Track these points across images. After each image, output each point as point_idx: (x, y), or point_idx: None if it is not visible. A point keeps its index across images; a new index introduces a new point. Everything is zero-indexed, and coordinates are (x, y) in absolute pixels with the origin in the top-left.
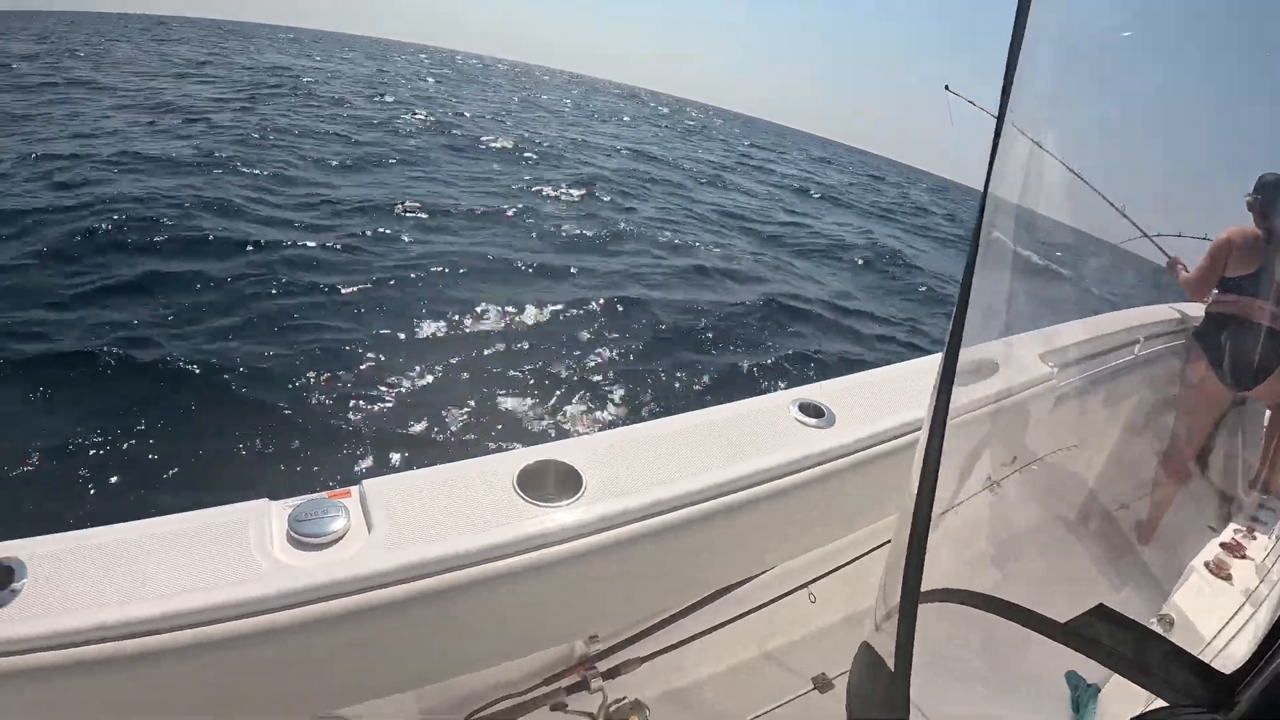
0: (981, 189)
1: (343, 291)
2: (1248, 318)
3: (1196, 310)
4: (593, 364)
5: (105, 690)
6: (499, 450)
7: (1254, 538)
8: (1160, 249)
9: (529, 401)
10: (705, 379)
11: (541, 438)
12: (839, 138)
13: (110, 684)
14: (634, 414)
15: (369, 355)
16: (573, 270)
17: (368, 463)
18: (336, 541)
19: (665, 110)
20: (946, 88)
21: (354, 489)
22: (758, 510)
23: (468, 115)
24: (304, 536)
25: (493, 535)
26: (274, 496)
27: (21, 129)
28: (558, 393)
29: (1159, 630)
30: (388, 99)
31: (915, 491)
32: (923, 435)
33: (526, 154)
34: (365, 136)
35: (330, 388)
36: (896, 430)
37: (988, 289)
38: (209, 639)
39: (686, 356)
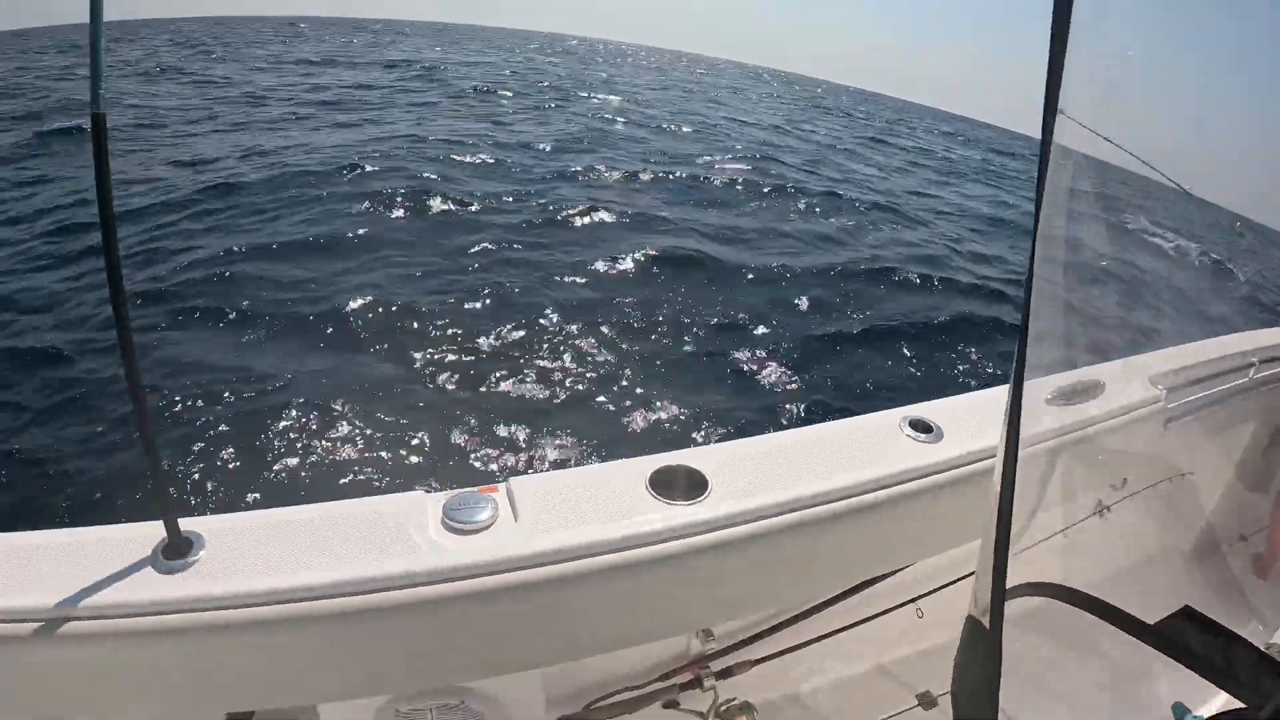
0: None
1: None
2: None
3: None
4: None
5: (270, 650)
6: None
7: None
8: None
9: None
10: None
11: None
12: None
13: (276, 644)
14: None
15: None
16: None
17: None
18: (486, 528)
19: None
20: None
21: (501, 485)
22: (866, 519)
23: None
24: (457, 522)
25: (624, 527)
26: (427, 491)
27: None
28: None
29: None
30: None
31: (999, 479)
32: (1001, 439)
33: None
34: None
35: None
36: (1003, 442)
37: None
38: (367, 606)
39: None
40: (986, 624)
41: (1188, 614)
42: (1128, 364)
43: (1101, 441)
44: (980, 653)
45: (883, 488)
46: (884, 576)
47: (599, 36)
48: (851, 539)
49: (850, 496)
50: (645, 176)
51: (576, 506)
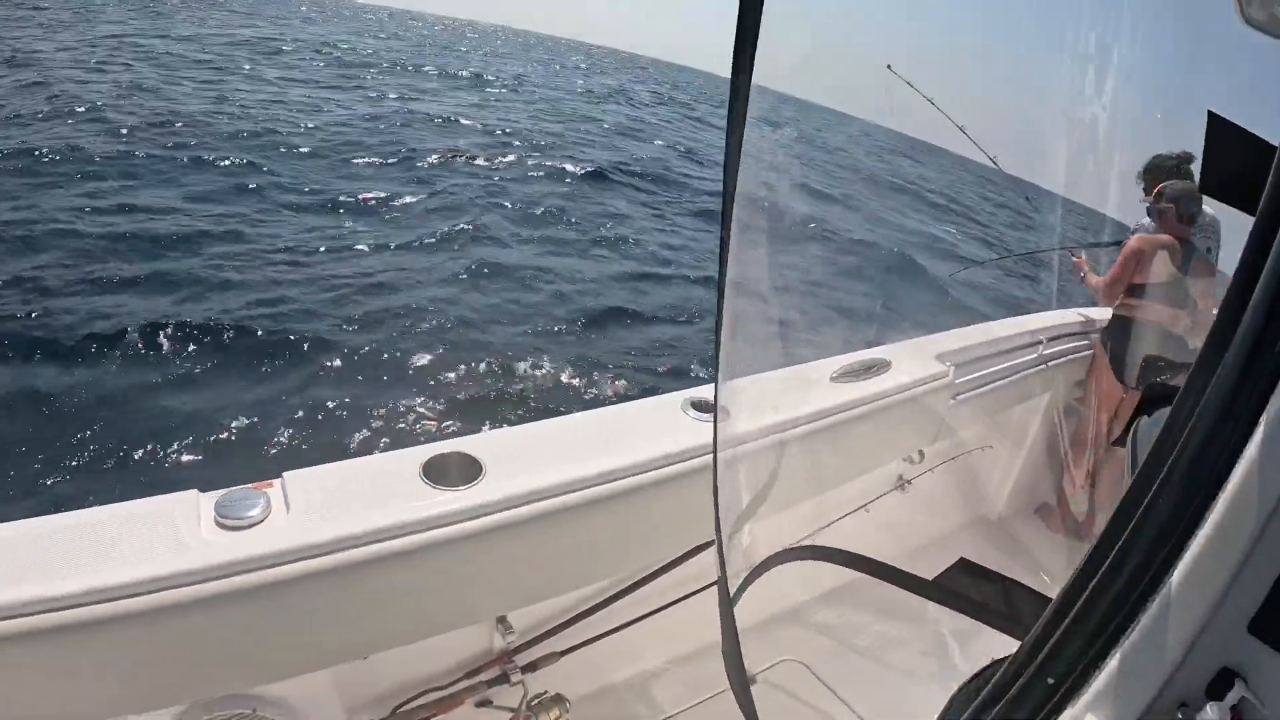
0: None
1: None
2: (1154, 322)
3: (1102, 314)
4: None
5: (36, 666)
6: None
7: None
8: (1072, 255)
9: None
10: None
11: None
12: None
13: (41, 659)
14: None
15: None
16: None
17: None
18: (258, 523)
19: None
20: (889, 68)
21: (276, 481)
22: (651, 498)
23: None
24: (228, 519)
25: (397, 514)
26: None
27: None
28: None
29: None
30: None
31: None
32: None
33: None
34: None
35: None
36: (784, 424)
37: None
38: (130, 612)
39: None
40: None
41: (965, 566)
42: (917, 344)
43: (890, 415)
44: (725, 623)
45: (665, 466)
46: (683, 558)
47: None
48: (639, 521)
49: (631, 475)
50: None
51: (349, 497)
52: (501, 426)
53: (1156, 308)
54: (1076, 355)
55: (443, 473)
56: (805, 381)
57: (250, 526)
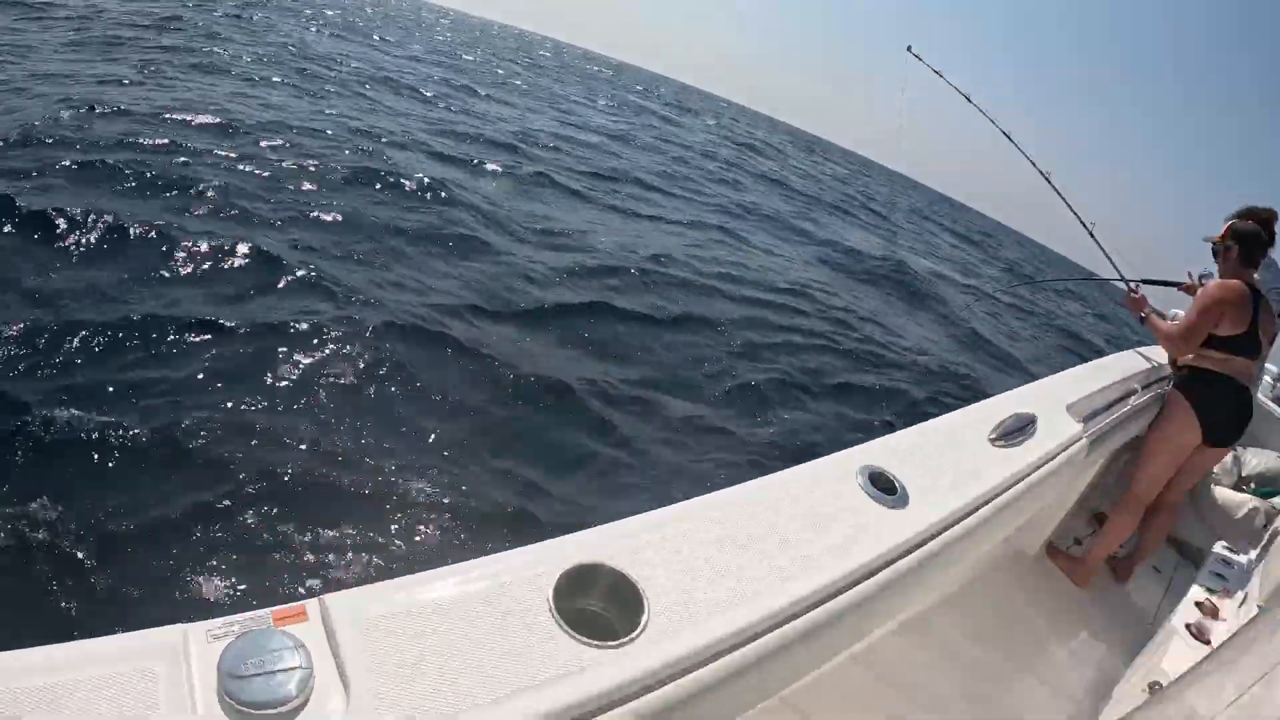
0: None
1: None
2: (1235, 377)
3: (1159, 356)
4: None
5: None
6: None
7: (1228, 597)
8: (1129, 289)
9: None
10: None
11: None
12: None
13: None
14: None
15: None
16: None
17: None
18: (297, 712)
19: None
20: (909, 49)
21: (310, 606)
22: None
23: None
24: (245, 705)
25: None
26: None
27: None
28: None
29: (1146, 694)
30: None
31: None
32: None
33: None
34: None
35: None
36: (969, 506)
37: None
38: None
39: None
40: None
41: None
42: (1047, 389)
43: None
44: None
45: (857, 580)
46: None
47: None
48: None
49: (818, 604)
50: None
51: (452, 651)
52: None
53: (1236, 360)
54: (1154, 401)
55: (584, 594)
56: (970, 448)
57: (287, 711)
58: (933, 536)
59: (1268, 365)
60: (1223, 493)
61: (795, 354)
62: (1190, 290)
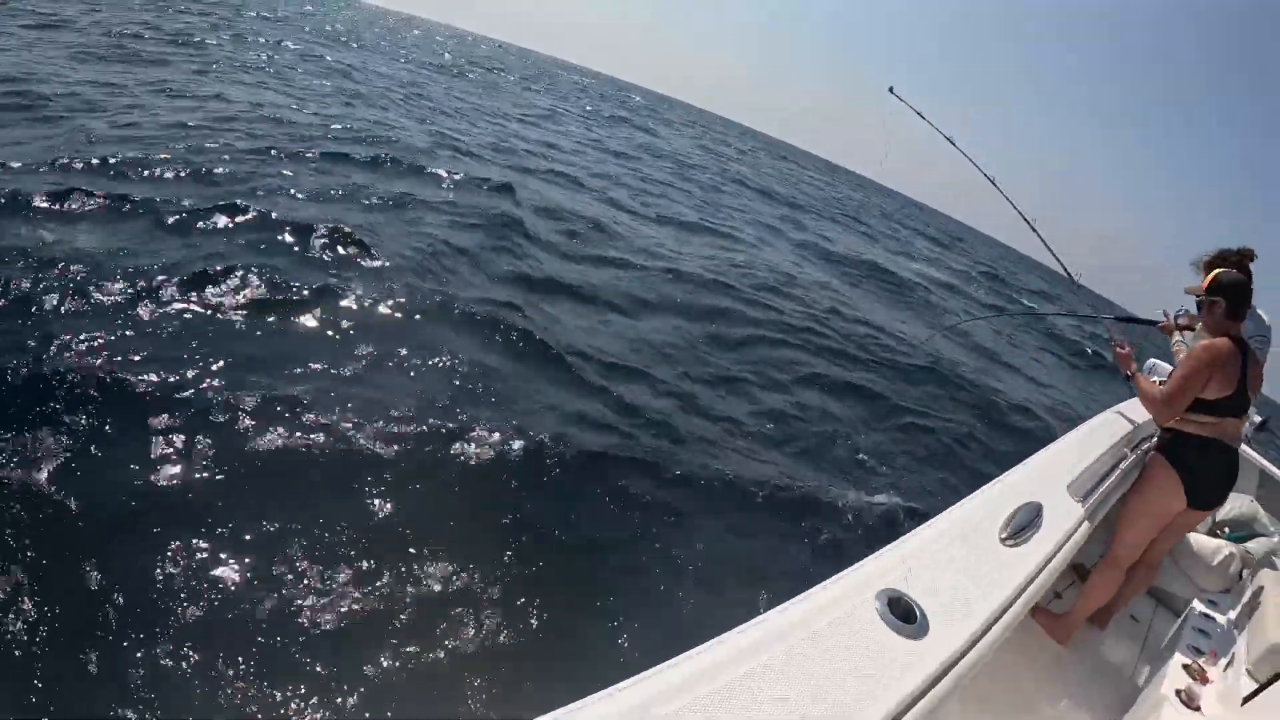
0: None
1: None
2: (1223, 439)
3: (1139, 413)
4: None
5: None
6: None
7: (1214, 661)
8: (1114, 343)
9: None
10: None
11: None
12: None
13: None
14: None
15: None
16: None
17: None
18: None
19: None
20: (891, 90)
21: None
22: None
23: None
24: None
25: None
26: None
27: None
28: None
29: None
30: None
31: None
32: None
33: None
34: None
35: None
36: (988, 622)
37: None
38: None
39: None
40: None
41: None
42: (1042, 472)
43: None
44: None
45: None
46: None
47: None
48: None
49: None
50: None
51: None
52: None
53: (1225, 423)
54: (1137, 464)
55: None
56: (982, 550)
57: None
58: (954, 664)
59: None
60: (1198, 539)
61: None
62: (1168, 330)
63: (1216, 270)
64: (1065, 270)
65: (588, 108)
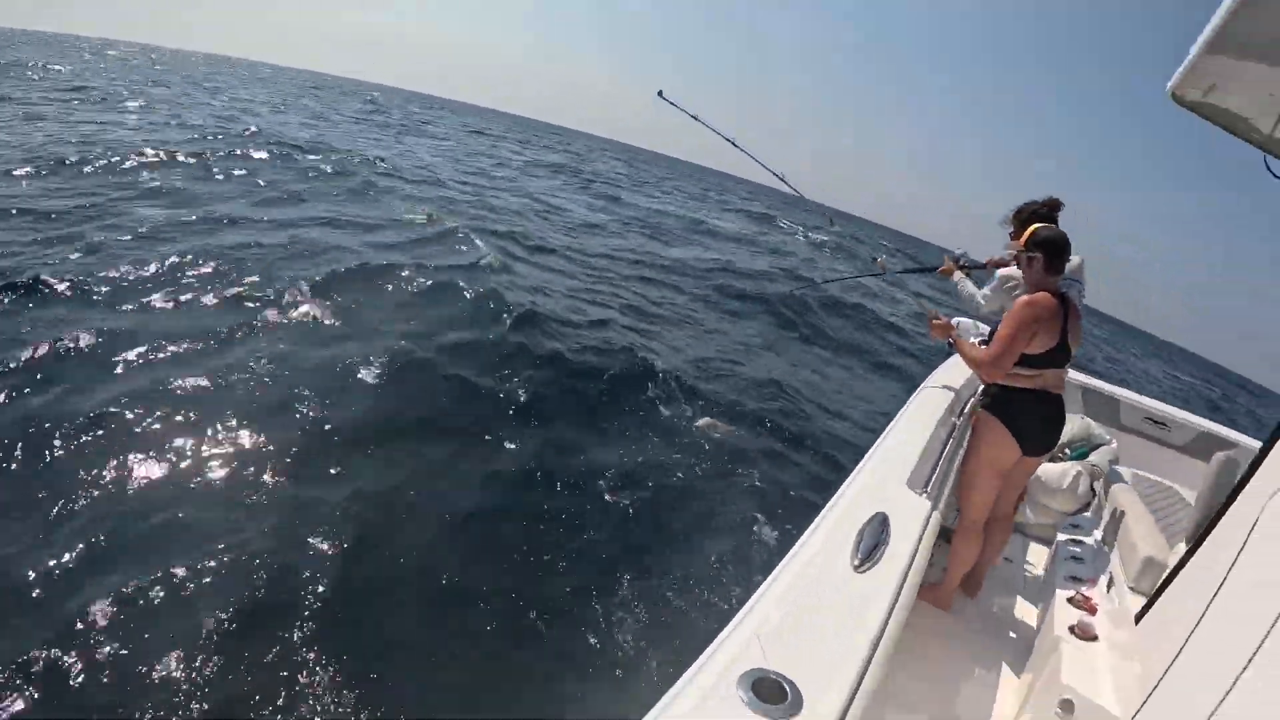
0: None
1: None
2: (1048, 390)
3: (954, 379)
4: None
5: None
6: None
7: (1094, 586)
8: (930, 315)
9: None
10: None
11: None
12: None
13: None
14: None
15: None
16: None
17: None
18: None
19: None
20: (660, 94)
21: None
22: None
23: None
24: None
25: None
26: None
27: None
28: None
29: (1060, 716)
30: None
31: None
32: None
33: None
34: None
35: None
36: (860, 669)
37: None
38: None
39: None
40: None
41: None
42: (879, 473)
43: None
44: None
45: None
46: None
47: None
48: None
49: None
50: None
51: None
52: None
53: (1048, 374)
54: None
55: None
56: (838, 587)
57: None
58: None
59: None
60: (1044, 468)
61: None
62: (948, 274)
63: (1035, 226)
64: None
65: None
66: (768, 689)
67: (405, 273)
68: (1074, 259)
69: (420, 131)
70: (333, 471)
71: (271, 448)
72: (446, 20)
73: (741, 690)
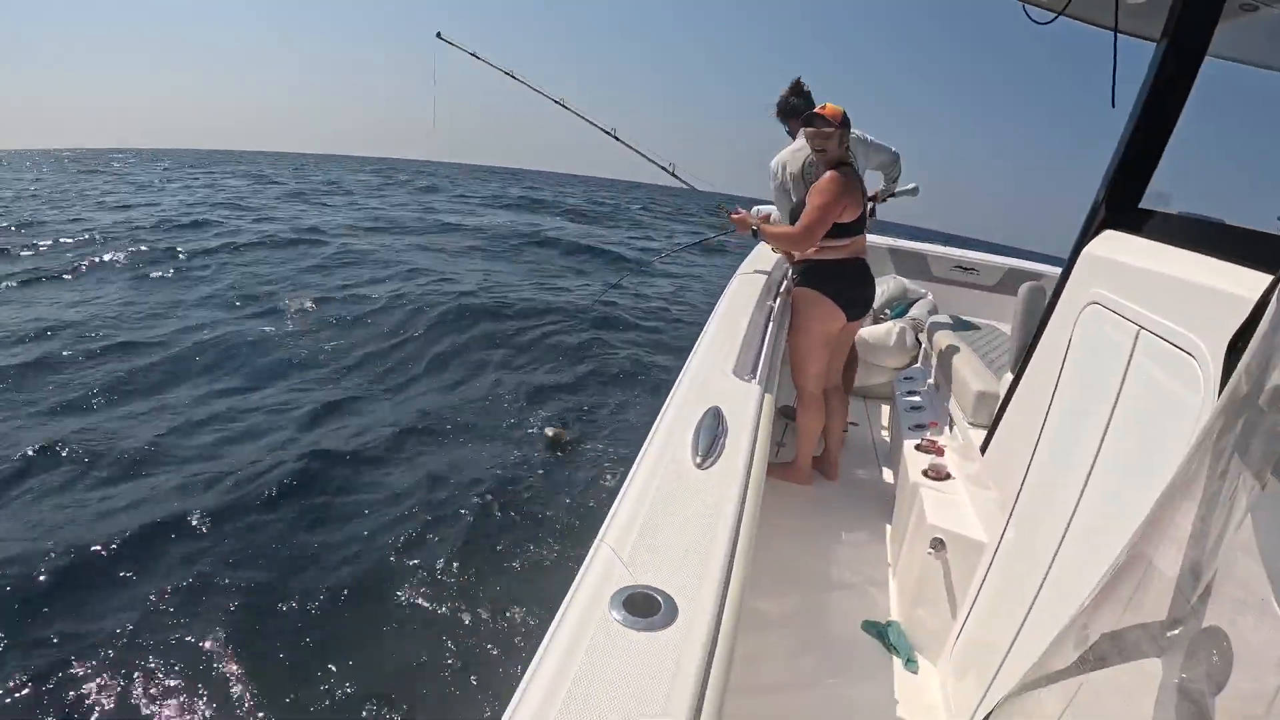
0: None
1: None
2: (860, 256)
3: (758, 263)
4: None
5: None
6: None
7: (939, 431)
8: (727, 212)
9: None
10: None
11: None
12: None
13: None
14: None
15: None
16: None
17: None
18: None
19: None
20: (439, 35)
21: None
22: None
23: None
24: None
25: None
26: None
27: None
28: None
29: (934, 555)
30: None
31: None
32: None
33: None
34: None
35: None
36: (724, 567)
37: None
38: None
39: None
40: None
41: None
42: (704, 367)
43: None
44: None
45: None
46: None
47: None
48: None
49: None
50: None
51: None
52: None
53: (856, 241)
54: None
55: None
56: (685, 488)
57: None
58: (717, 623)
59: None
60: (869, 330)
61: None
62: (743, 222)
63: (826, 104)
64: (662, 167)
65: None
66: (639, 603)
67: None
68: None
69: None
70: None
71: None
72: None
73: (614, 611)
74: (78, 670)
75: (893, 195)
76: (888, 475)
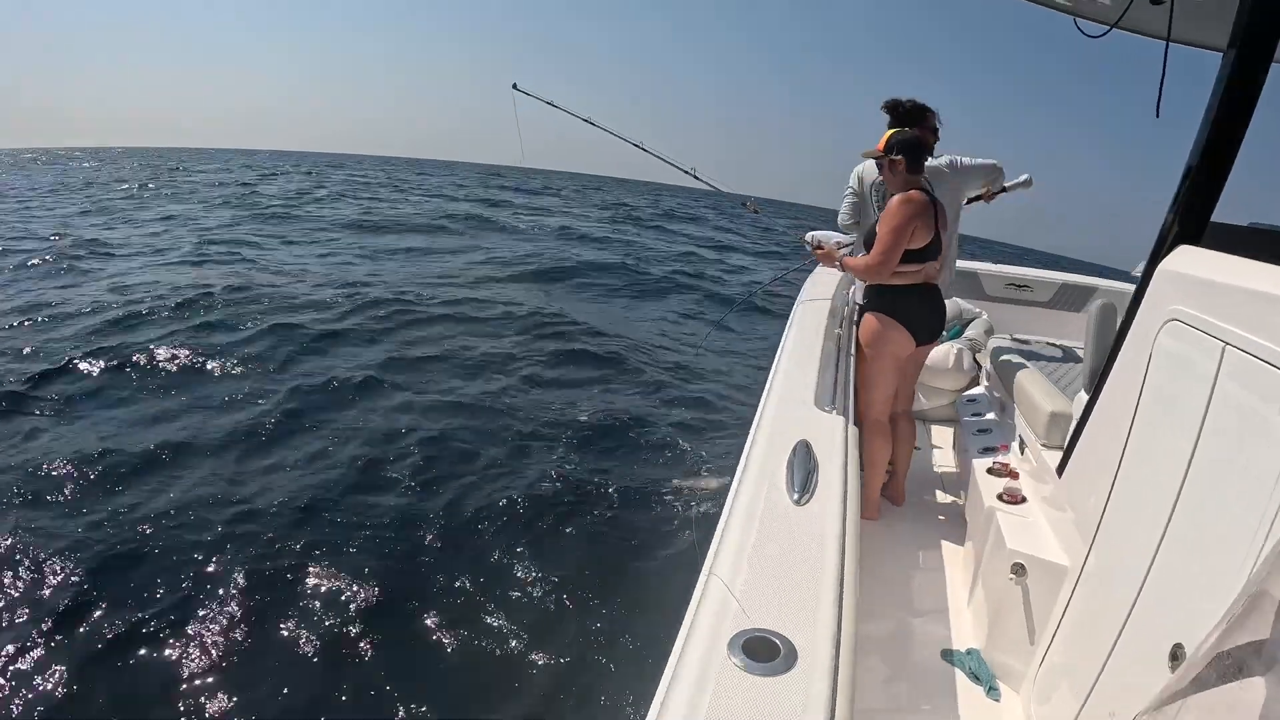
0: None
1: None
2: (931, 282)
3: (820, 290)
4: None
5: None
6: None
7: (1007, 451)
8: (813, 248)
9: None
10: None
11: None
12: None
13: None
14: None
15: None
16: None
17: None
18: None
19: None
20: (515, 86)
21: None
22: None
23: None
24: None
25: None
26: None
27: None
28: None
29: (1015, 580)
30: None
31: None
32: None
33: None
34: None
35: None
36: (834, 606)
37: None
38: None
39: None
40: None
41: None
42: (779, 409)
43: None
44: None
45: None
46: None
47: None
48: None
49: None
50: None
51: None
52: None
53: (927, 267)
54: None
55: None
56: (787, 527)
57: None
58: (836, 656)
59: None
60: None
61: None
62: (829, 258)
63: (889, 132)
64: (685, 171)
65: None
66: (759, 648)
67: None
68: (940, 159)
69: None
70: None
71: None
72: None
73: (734, 655)
74: (159, 656)
75: (1004, 190)
76: (952, 499)
